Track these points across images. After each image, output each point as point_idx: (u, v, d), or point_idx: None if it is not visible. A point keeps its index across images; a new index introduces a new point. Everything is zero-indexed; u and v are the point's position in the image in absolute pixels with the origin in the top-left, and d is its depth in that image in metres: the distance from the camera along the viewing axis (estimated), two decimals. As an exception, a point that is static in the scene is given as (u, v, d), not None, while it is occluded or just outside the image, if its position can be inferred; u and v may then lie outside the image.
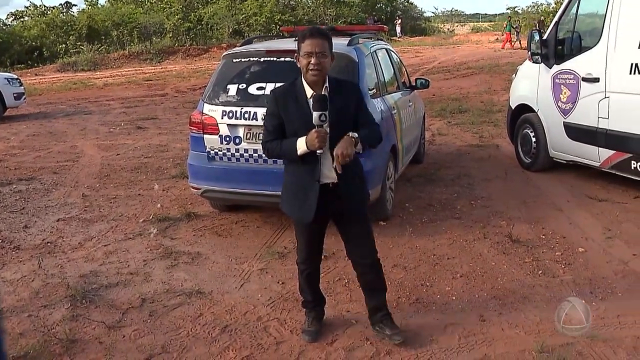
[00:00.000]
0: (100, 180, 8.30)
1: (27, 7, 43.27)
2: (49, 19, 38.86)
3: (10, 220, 6.66)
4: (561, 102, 7.52)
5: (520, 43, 33.95)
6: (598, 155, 7.05)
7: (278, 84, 5.73)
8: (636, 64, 6.41)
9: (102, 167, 9.08)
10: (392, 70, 7.38)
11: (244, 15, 38.05)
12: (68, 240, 6.04)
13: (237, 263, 5.39)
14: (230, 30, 37.19)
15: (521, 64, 8.90)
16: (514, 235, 5.75)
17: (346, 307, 4.53)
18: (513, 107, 8.62)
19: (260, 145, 5.41)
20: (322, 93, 3.63)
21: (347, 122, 3.69)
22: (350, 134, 3.59)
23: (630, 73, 6.50)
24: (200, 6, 39.07)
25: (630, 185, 6.98)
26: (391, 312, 4.13)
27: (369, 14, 45.13)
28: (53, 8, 42.53)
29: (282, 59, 6.01)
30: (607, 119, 6.83)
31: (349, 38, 6.41)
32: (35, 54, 35.13)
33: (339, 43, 6.32)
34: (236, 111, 5.80)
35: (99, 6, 41.54)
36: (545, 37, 7.86)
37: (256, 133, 5.74)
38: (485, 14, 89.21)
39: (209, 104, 5.99)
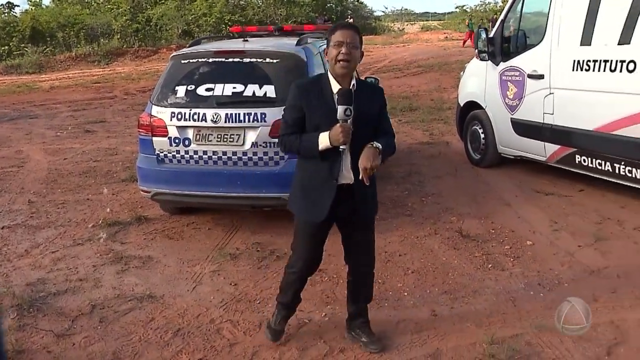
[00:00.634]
0: (47, 186, 8.12)
1: (-34, 9, 42.05)
2: (-11, 20, 37.78)
3: (-47, 229, 6.47)
4: (508, 98, 7.67)
5: None
6: (544, 150, 7.21)
7: (227, 85, 5.77)
8: (578, 61, 6.58)
9: (49, 172, 8.88)
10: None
11: (193, 16, 37.67)
12: (14, 248, 5.90)
13: (189, 266, 5.35)
14: (180, 31, 36.78)
15: (469, 62, 9.05)
16: (464, 230, 5.85)
17: (299, 306, 4.51)
18: (462, 105, 8.75)
19: (207, 147, 5.37)
20: (349, 88, 3.52)
21: (369, 124, 3.59)
22: (375, 144, 3.47)
23: (573, 70, 6.66)
24: (148, 7, 38.51)
25: (575, 178, 7.16)
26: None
27: (319, 13, 45.18)
28: (-7, 9, 41.39)
29: (230, 60, 5.99)
30: (552, 114, 6.99)
31: (298, 38, 6.42)
32: (-25, 57, 34.10)
33: (288, 43, 6.35)
34: (185, 113, 5.75)
35: (43, 7, 40.56)
36: (491, 35, 8.01)
37: (206, 134, 5.71)
38: (435, 13, 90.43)
39: (157, 105, 5.92)
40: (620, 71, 6.09)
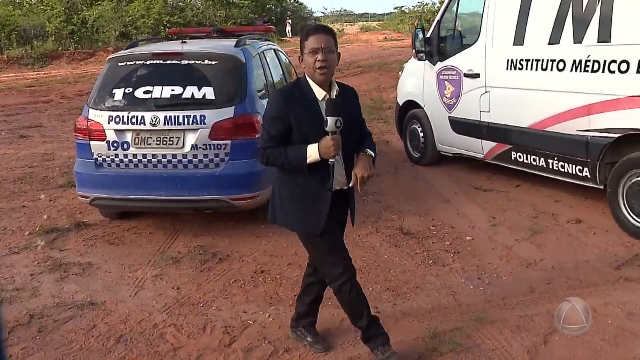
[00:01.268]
0: (-20, 193, 7.87)
1: None
2: None
3: None
4: (446, 97, 7.82)
5: None
6: (482, 148, 7.39)
7: (166, 88, 5.72)
8: (512, 60, 6.76)
9: (-18, 180, 8.61)
10: (281, 71, 7.43)
11: (131, 18, 36.96)
12: (-54, 258, 5.70)
13: (131, 271, 5.27)
14: (117, 34, 36.03)
15: (408, 62, 9.18)
16: (405, 228, 5.95)
17: (243, 308, 4.54)
18: (401, 104, 8.87)
19: (146, 150, 5.31)
20: (334, 97, 3.39)
21: (355, 129, 3.53)
22: (368, 152, 3.46)
23: (507, 69, 6.84)
24: (84, 8, 37.62)
25: (512, 175, 7.35)
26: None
27: (259, 15, 45.04)
28: None
29: (169, 62, 5.95)
30: (489, 112, 7.16)
31: (237, 39, 6.40)
32: None
33: (226, 45, 6.33)
34: (123, 116, 5.68)
35: (-28, 8, 39.20)
36: (428, 35, 8.15)
37: (145, 138, 5.65)
38: (374, 14, 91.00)
39: (95, 109, 5.83)
40: (552, 70, 6.28)
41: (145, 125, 5.60)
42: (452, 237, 5.80)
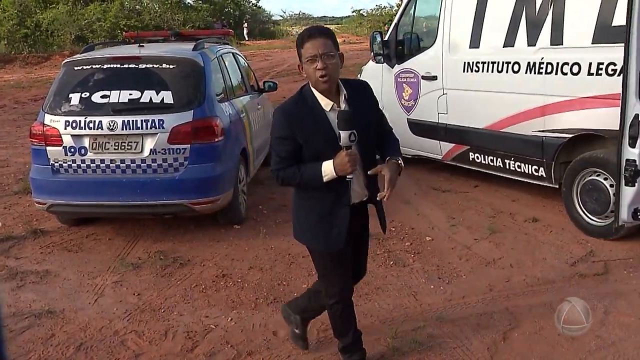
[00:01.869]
0: None
1: None
2: None
3: None
4: (404, 99, 7.90)
5: None
6: (440, 149, 7.49)
7: (123, 92, 5.66)
8: (468, 63, 6.86)
9: None
10: (240, 74, 7.42)
11: (86, 21, 36.42)
12: None
13: (90, 278, 5.20)
14: (73, 37, 35.46)
15: (366, 65, 9.24)
16: (364, 229, 5.97)
17: (205, 312, 4.52)
18: (359, 107, 8.90)
19: (104, 155, 5.26)
20: (342, 106, 3.12)
21: (373, 132, 3.25)
22: (396, 159, 3.19)
23: (464, 71, 6.95)
24: (37, 11, 36.93)
25: (470, 175, 7.47)
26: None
27: (217, 18, 44.88)
28: None
29: (126, 66, 5.89)
30: (446, 114, 7.27)
31: (195, 43, 6.38)
32: None
33: (184, 48, 6.31)
34: (80, 121, 5.60)
35: None
36: (386, 38, 8.22)
37: (102, 143, 5.59)
38: (333, 17, 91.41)
39: (50, 114, 5.74)
40: (507, 72, 6.40)
41: (102, 129, 5.54)
42: (412, 237, 5.86)
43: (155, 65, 5.84)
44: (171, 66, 5.86)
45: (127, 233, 6.15)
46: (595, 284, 4.81)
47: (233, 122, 6.17)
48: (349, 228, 3.25)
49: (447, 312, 4.38)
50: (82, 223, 6.40)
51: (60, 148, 5.64)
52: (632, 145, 4.65)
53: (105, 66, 5.93)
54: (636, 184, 4.66)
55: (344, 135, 2.98)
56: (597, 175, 5.69)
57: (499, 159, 6.68)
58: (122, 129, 5.54)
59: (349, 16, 58.21)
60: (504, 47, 6.45)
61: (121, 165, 5.58)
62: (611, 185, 5.42)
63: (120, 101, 5.67)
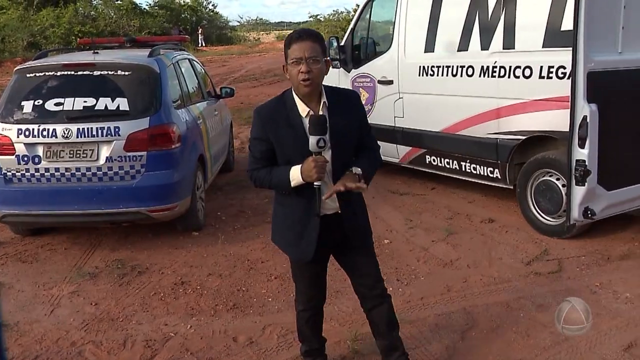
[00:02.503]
0: None
1: None
2: None
3: None
4: (360, 104, 7.94)
5: None
6: (397, 152, 7.56)
7: (77, 99, 5.59)
8: (423, 67, 6.95)
9: None
10: (196, 80, 7.39)
11: (39, 27, 35.76)
12: None
13: (46, 289, 5.11)
14: (25, 43, 34.78)
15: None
16: (324, 233, 5.99)
17: (164, 320, 4.48)
18: (317, 112, 8.94)
19: (59, 164, 5.18)
20: (320, 113, 3.00)
21: (350, 144, 3.13)
22: (354, 169, 3.05)
23: (419, 75, 7.03)
24: (-13, 17, 36.15)
25: (427, 178, 7.56)
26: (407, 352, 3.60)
27: (173, 24, 44.56)
28: None
29: (80, 73, 5.82)
30: (403, 118, 7.35)
31: (150, 49, 6.33)
32: None
33: (140, 55, 6.26)
34: (33, 129, 5.51)
35: None
36: (342, 43, 8.28)
37: (57, 151, 5.50)
38: (290, 22, 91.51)
39: (2, 122, 5.63)
40: (461, 76, 6.51)
41: (56, 137, 5.46)
42: (371, 240, 5.89)
43: (110, 72, 5.78)
44: (126, 73, 5.80)
45: (83, 242, 6.06)
46: (549, 282, 4.92)
47: (190, 128, 6.14)
48: (321, 240, 3.14)
49: (406, 313, 4.42)
50: (37, 233, 6.28)
51: (13, 157, 5.54)
52: (581, 146, 4.78)
53: (59, 73, 5.84)
54: (586, 184, 4.78)
55: (312, 140, 2.90)
56: (550, 176, 5.82)
57: (455, 162, 6.78)
58: (77, 137, 5.47)
59: (307, 21, 58.22)
60: (458, 51, 6.56)
61: (76, 173, 5.50)
62: (563, 185, 5.55)
63: (74, 109, 5.59)
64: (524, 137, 6.00)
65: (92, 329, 4.41)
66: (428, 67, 6.89)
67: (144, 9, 44.42)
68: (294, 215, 3.18)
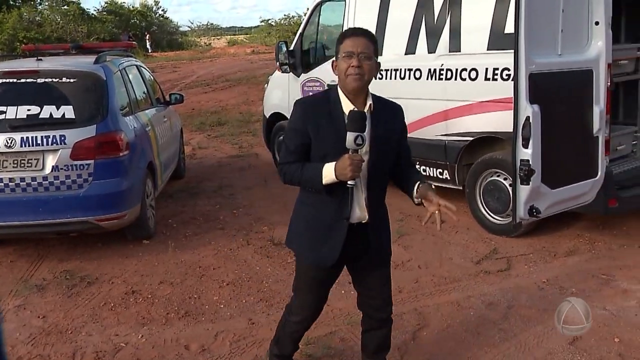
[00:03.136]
0: None
1: None
2: None
3: None
4: (311, 108, 7.96)
5: None
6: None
7: (21, 107, 5.48)
8: (371, 70, 6.99)
9: None
10: (144, 87, 7.31)
11: (-20, 33, 34.89)
12: None
13: (-10, 303, 4.98)
14: (-34, 50, 33.90)
15: (272, 74, 9.28)
16: (275, 238, 6.01)
17: (114, 330, 4.40)
18: (268, 116, 8.96)
19: (2, 174, 5.04)
20: (362, 110, 2.92)
21: (388, 153, 3.04)
22: (424, 182, 3.04)
23: (367, 78, 7.07)
24: None
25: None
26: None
27: (123, 30, 43.94)
28: None
29: (23, 80, 5.70)
30: (352, 121, 7.37)
31: (96, 56, 6.23)
32: None
33: (85, 62, 6.17)
34: None
35: None
36: (291, 47, 8.29)
37: (0, 161, 5.37)
38: (242, 27, 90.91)
39: (-58, 132, 5.47)
40: (409, 79, 6.59)
41: (-1, 147, 5.34)
42: (323, 244, 5.90)
43: (54, 80, 5.67)
44: (72, 80, 5.70)
45: (30, 254, 5.92)
46: (499, 280, 5.02)
47: (138, 135, 6.07)
48: (345, 248, 3.03)
49: (358, 315, 4.34)
50: (-19, 246, 6.12)
51: (-47, 168, 5.39)
52: (525, 146, 4.87)
53: (0, 81, 5.71)
54: (530, 183, 4.87)
55: (350, 136, 2.78)
56: (498, 176, 5.94)
57: (406, 164, 6.84)
58: (21, 146, 5.35)
59: (258, 26, 58.13)
60: (405, 54, 6.63)
61: (21, 183, 5.38)
62: (511, 185, 5.65)
63: (18, 117, 5.46)
64: (471, 139, 6.10)
65: (39, 342, 4.31)
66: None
67: (92, 14, 43.67)
68: (321, 216, 3.04)
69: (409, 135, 3.24)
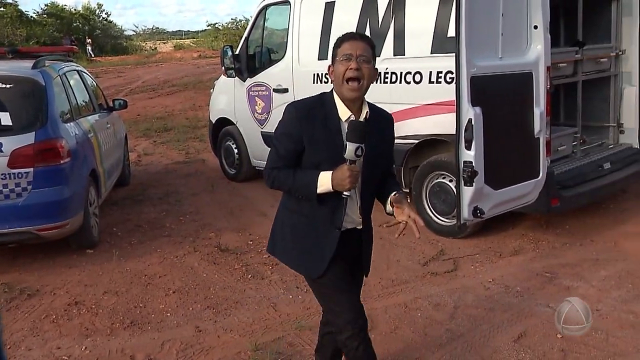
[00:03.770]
0: None
1: None
2: None
3: None
4: (257, 113, 7.94)
5: None
6: (295, 160, 7.57)
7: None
8: (318, 74, 7.01)
9: None
10: (86, 93, 7.16)
11: None
12: None
13: None
14: None
15: (218, 79, 9.21)
16: (222, 244, 5.95)
17: (56, 343, 4.28)
18: (214, 121, 8.87)
19: None
20: (361, 119, 2.82)
21: (381, 163, 2.96)
22: (398, 193, 2.91)
23: (314, 82, 7.09)
24: None
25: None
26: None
27: (64, 33, 42.92)
28: None
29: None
30: (299, 126, 7.36)
31: (34, 61, 6.07)
32: None
33: (23, 66, 6.01)
34: None
35: None
36: (237, 52, 8.23)
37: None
38: (188, 31, 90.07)
39: None
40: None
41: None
42: (270, 249, 5.87)
43: (-11, 85, 5.50)
44: (8, 86, 5.54)
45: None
46: (446, 281, 5.07)
47: (80, 142, 5.93)
48: (338, 257, 2.92)
49: (306, 320, 4.43)
50: None
51: None
52: (468, 147, 4.94)
53: None
54: (474, 184, 4.94)
55: (350, 147, 2.68)
56: (443, 178, 6.01)
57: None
58: (-45, 154, 5.17)
59: (205, 30, 57.63)
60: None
61: (-44, 193, 5.20)
62: (456, 187, 5.73)
63: (-49, 125, 5.28)
64: (417, 141, 6.16)
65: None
66: (322, 74, 6.95)
67: (31, 17, 42.53)
68: (311, 226, 2.92)
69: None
